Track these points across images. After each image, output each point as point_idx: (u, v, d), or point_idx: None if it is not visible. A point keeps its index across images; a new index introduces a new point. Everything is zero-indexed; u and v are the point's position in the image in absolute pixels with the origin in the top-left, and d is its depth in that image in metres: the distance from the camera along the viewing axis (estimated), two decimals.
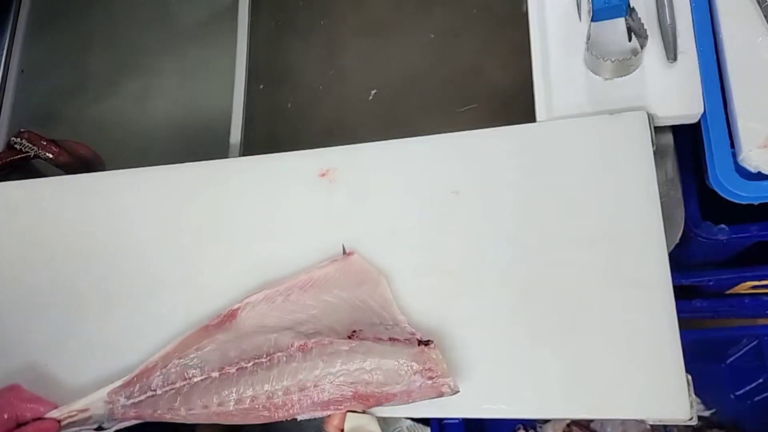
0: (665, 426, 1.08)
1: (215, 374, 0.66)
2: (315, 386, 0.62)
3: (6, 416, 0.66)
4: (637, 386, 0.60)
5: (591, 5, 0.68)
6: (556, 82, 0.73)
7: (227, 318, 0.70)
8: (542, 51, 0.75)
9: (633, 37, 0.70)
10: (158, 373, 0.68)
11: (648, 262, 0.63)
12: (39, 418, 0.68)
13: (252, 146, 1.02)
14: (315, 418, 0.64)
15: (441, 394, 0.60)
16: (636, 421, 1.07)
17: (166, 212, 0.80)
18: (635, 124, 0.68)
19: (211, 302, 0.73)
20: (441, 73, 1.06)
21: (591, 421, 1.13)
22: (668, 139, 0.73)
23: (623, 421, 1.10)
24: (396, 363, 0.61)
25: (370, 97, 1.07)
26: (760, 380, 1.07)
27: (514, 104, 0.91)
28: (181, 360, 0.68)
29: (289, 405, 0.62)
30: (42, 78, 1.20)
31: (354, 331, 0.66)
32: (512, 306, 0.66)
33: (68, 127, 1.18)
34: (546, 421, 1.14)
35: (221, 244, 0.77)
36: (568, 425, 1.13)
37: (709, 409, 1.11)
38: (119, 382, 0.69)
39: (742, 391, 1.12)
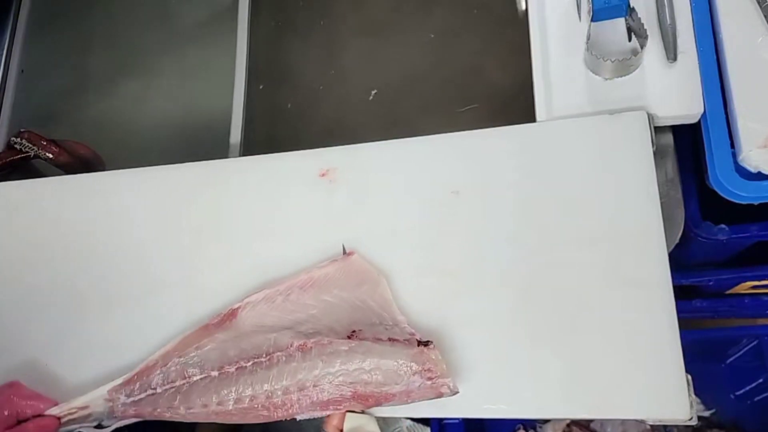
0: (665, 426, 1.08)
1: (215, 373, 0.66)
2: (314, 386, 0.62)
3: (6, 413, 0.66)
4: (637, 386, 0.60)
5: (591, 5, 0.68)
6: (556, 82, 0.73)
7: (227, 317, 0.70)
8: (542, 51, 0.75)
9: (633, 37, 0.70)
10: (158, 372, 0.68)
11: (648, 262, 0.63)
12: (39, 415, 0.68)
13: (252, 146, 1.02)
14: (314, 418, 0.64)
15: (440, 395, 0.60)
16: (636, 421, 1.07)
17: (166, 212, 0.80)
18: (635, 124, 0.68)
19: (211, 302, 0.73)
20: (441, 73, 1.06)
21: (591, 421, 1.13)
22: (668, 139, 0.73)
23: (623, 421, 1.10)
24: (395, 363, 0.61)
25: (371, 98, 1.07)
26: (760, 380, 1.07)
27: (514, 104, 0.91)
28: (181, 359, 0.68)
29: (289, 405, 0.63)
30: (42, 78, 1.20)
31: (353, 331, 0.66)
32: (512, 306, 0.66)
33: (68, 127, 1.18)
34: (546, 421, 1.14)
35: (221, 244, 0.77)
36: (568, 425, 1.13)
37: (709, 409, 1.11)
38: (119, 380, 0.69)
39: (742, 391, 1.12)
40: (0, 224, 0.85)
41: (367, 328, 0.66)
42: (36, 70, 1.20)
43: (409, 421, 0.99)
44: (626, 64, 0.69)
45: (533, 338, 0.64)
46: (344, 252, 0.71)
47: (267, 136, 1.10)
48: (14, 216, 0.85)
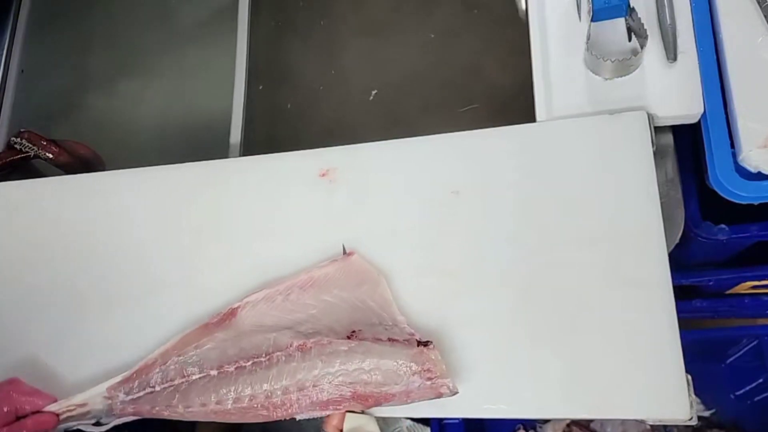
0: (665, 426, 1.08)
1: (214, 372, 0.66)
2: (314, 386, 0.62)
3: (6, 409, 0.66)
4: (637, 386, 0.60)
5: (591, 5, 0.68)
6: (556, 82, 0.73)
7: (227, 316, 0.70)
8: (542, 51, 0.75)
9: (633, 37, 0.70)
10: (157, 370, 0.68)
11: (648, 262, 0.63)
12: (38, 412, 0.68)
13: (252, 146, 1.02)
14: (314, 418, 0.64)
15: (440, 395, 0.60)
16: (636, 421, 1.07)
17: (166, 212, 0.80)
18: (635, 124, 0.68)
19: (211, 302, 0.73)
20: (441, 73, 1.06)
21: (591, 421, 1.13)
22: (668, 139, 0.73)
23: (623, 421, 1.10)
24: (395, 363, 0.61)
25: (371, 98, 1.07)
26: (760, 380, 1.07)
27: (514, 104, 0.91)
28: (180, 357, 0.68)
29: (288, 404, 0.63)
30: (42, 78, 1.20)
31: (353, 332, 0.66)
32: (512, 306, 0.66)
33: (68, 127, 1.18)
34: (546, 421, 1.14)
35: (221, 244, 0.77)
36: (568, 425, 1.13)
37: (709, 409, 1.11)
38: (118, 378, 0.69)
39: (742, 391, 1.12)
40: (0, 224, 0.85)
41: (367, 328, 0.66)
42: (36, 70, 1.20)
43: (409, 421, 0.99)
44: (626, 64, 0.69)
45: (533, 338, 0.64)
46: (344, 252, 0.71)
47: (267, 136, 1.10)
48: (14, 216, 0.85)
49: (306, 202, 0.75)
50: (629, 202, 0.65)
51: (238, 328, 0.69)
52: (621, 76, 0.71)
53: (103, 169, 0.99)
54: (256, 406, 0.63)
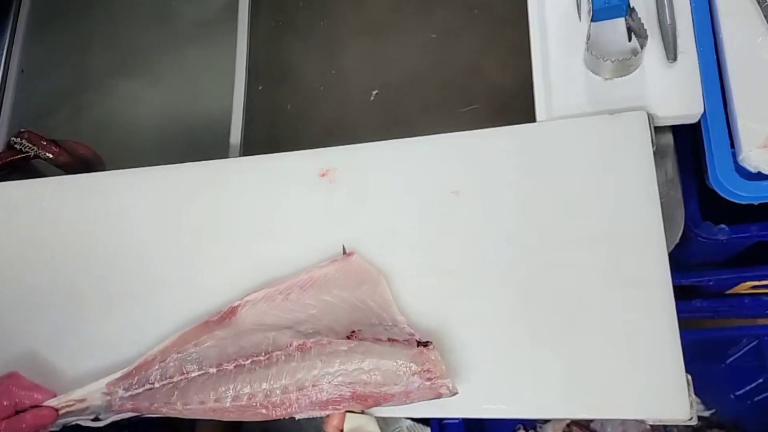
0: (665, 426, 1.08)
1: (213, 370, 0.66)
2: (313, 386, 0.62)
3: (5, 403, 0.66)
4: (637, 386, 0.60)
5: (591, 5, 0.68)
6: (556, 82, 0.73)
7: (227, 315, 0.70)
8: (542, 51, 0.75)
9: (633, 37, 0.70)
10: (156, 367, 0.68)
11: (648, 262, 0.63)
12: (37, 406, 0.68)
13: (252, 146, 1.02)
14: (314, 418, 0.64)
15: (439, 395, 0.60)
16: (636, 421, 1.07)
17: (166, 212, 0.80)
18: (635, 124, 0.68)
19: (211, 302, 0.73)
20: (441, 74, 1.06)
21: (591, 421, 1.13)
22: (668, 139, 0.73)
23: (623, 421, 1.10)
24: (394, 364, 0.61)
25: (371, 98, 1.07)
26: (760, 380, 1.07)
27: (514, 104, 0.91)
28: (180, 355, 0.68)
29: (287, 404, 0.63)
30: (42, 78, 1.21)
31: (353, 332, 0.66)
32: (512, 306, 0.66)
33: (68, 127, 1.18)
34: (546, 421, 1.14)
35: (221, 244, 0.77)
36: (568, 425, 1.13)
37: (709, 409, 1.11)
38: (118, 374, 0.69)
39: (742, 391, 1.12)
40: (0, 224, 0.85)
41: (367, 329, 0.66)
42: (36, 70, 1.20)
43: (409, 421, 0.99)
44: (626, 64, 0.69)
45: (533, 338, 0.64)
46: (344, 252, 0.71)
47: (267, 136, 1.10)
48: (14, 216, 0.85)
49: (306, 202, 0.75)
50: (629, 202, 0.65)
51: (238, 327, 0.69)
52: (621, 76, 0.71)
53: (103, 169, 0.99)
54: (255, 404, 0.63)
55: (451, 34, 1.07)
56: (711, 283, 0.98)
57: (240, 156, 0.99)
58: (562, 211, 0.67)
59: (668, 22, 0.69)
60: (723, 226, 0.83)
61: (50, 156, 0.97)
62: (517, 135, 0.72)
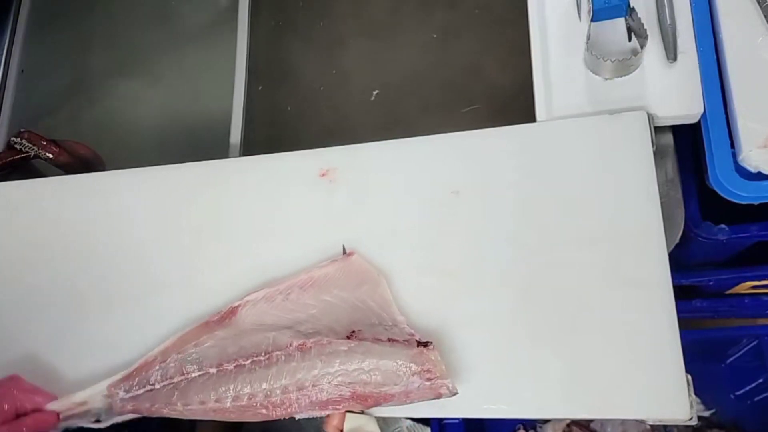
0: (665, 426, 1.08)
1: (213, 370, 0.66)
2: (313, 386, 0.62)
3: (6, 407, 0.66)
4: (637, 386, 0.60)
5: (591, 5, 0.68)
6: (556, 82, 0.73)
7: (227, 315, 0.70)
8: (542, 51, 0.75)
9: (633, 37, 0.70)
10: (157, 368, 0.68)
11: (648, 262, 0.63)
12: (38, 410, 0.68)
13: (252, 146, 1.02)
14: (314, 418, 0.64)
15: (439, 396, 0.60)
16: (636, 421, 1.07)
17: (166, 212, 0.80)
18: (635, 124, 0.68)
19: (211, 302, 0.73)
20: (442, 74, 1.06)
21: (591, 421, 1.13)
22: (668, 139, 0.73)
23: (623, 421, 1.10)
24: (394, 364, 0.61)
25: (372, 98, 1.07)
26: (760, 380, 1.07)
27: (514, 104, 0.91)
28: (180, 355, 0.68)
29: (287, 404, 0.62)
30: (42, 78, 1.21)
31: (353, 332, 0.66)
32: (512, 306, 0.66)
33: (68, 127, 1.18)
34: (546, 421, 1.14)
35: (221, 244, 0.77)
36: (568, 425, 1.13)
37: (709, 409, 1.11)
38: (118, 376, 0.69)
39: (742, 391, 1.12)
40: (0, 224, 0.85)
41: (367, 329, 0.66)
42: (36, 70, 1.20)
43: (409, 421, 0.99)
44: (626, 64, 0.69)
45: (533, 338, 0.64)
46: (344, 252, 0.71)
47: (267, 136, 1.10)
48: (14, 216, 0.85)
49: (306, 202, 0.75)
50: (629, 202, 0.65)
51: (238, 327, 0.69)
52: (621, 76, 0.71)
53: (103, 169, 0.99)
54: (255, 404, 0.63)
55: (451, 35, 1.07)
56: (711, 283, 0.98)
57: (240, 156, 0.99)
58: (562, 211, 0.67)
59: (668, 22, 0.69)
60: (723, 226, 0.83)
61: (50, 156, 0.97)
62: (517, 135, 0.72)
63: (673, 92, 0.69)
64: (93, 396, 0.69)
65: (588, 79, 0.72)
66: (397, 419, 0.97)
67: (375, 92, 1.07)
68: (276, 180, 0.78)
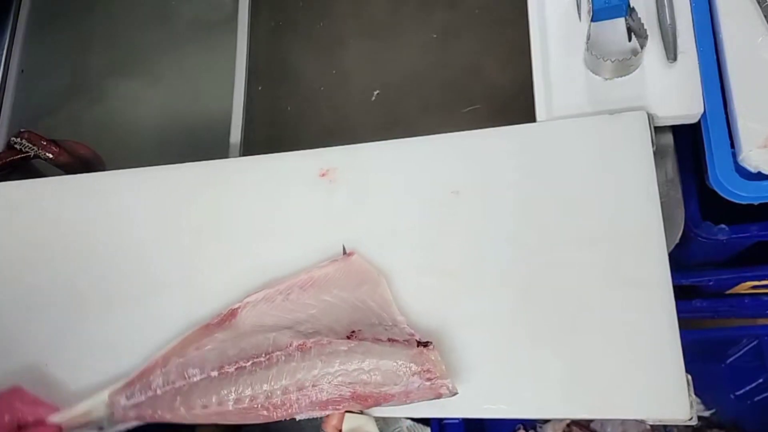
0: (665, 426, 1.08)
1: (214, 373, 0.66)
2: (313, 386, 0.62)
3: (7, 419, 0.66)
4: (637, 386, 0.60)
5: (591, 5, 0.68)
6: (556, 82, 0.73)
7: (227, 317, 0.70)
8: (542, 51, 0.75)
9: (633, 37, 0.70)
10: (158, 373, 0.68)
11: (648, 262, 0.63)
12: (40, 422, 0.67)
13: (252, 146, 1.02)
14: (314, 418, 0.64)
15: (439, 396, 0.60)
16: (636, 421, 1.07)
17: (166, 212, 0.80)
18: (635, 124, 0.68)
19: (211, 302, 0.73)
20: (442, 74, 1.06)
21: (591, 421, 1.13)
22: (668, 139, 0.73)
23: (623, 421, 1.10)
24: (394, 364, 0.61)
25: (373, 98, 1.07)
26: (760, 380, 1.07)
27: (514, 104, 0.91)
28: (181, 359, 0.68)
29: (288, 405, 0.62)
30: (42, 78, 1.21)
31: (353, 332, 0.66)
32: (512, 306, 0.66)
33: (68, 127, 1.18)
34: (546, 421, 1.14)
35: (221, 244, 0.77)
36: (568, 425, 1.13)
37: (709, 409, 1.11)
38: (120, 383, 0.69)
39: (742, 391, 1.12)
40: (0, 224, 0.85)
41: (367, 329, 0.66)
42: (36, 70, 1.20)
43: (409, 421, 0.99)
44: (626, 64, 0.69)
45: (533, 338, 0.64)
46: (344, 252, 0.71)
47: (267, 136, 1.10)
48: (14, 216, 0.85)
49: (306, 202, 0.75)
50: (629, 202, 0.65)
51: (239, 329, 0.69)
52: (621, 76, 0.71)
53: (103, 169, 0.99)
54: (256, 406, 0.63)
55: (451, 35, 1.07)
56: (711, 283, 0.98)
57: (240, 156, 0.99)
58: (562, 211, 0.67)
59: (668, 22, 0.69)
60: (723, 226, 0.83)
61: (50, 156, 0.97)
62: (517, 135, 0.72)
63: (673, 92, 0.69)
64: (95, 406, 0.68)
65: (588, 79, 0.72)
66: (397, 419, 0.97)
67: (375, 92, 1.07)
68: (276, 180, 0.78)
